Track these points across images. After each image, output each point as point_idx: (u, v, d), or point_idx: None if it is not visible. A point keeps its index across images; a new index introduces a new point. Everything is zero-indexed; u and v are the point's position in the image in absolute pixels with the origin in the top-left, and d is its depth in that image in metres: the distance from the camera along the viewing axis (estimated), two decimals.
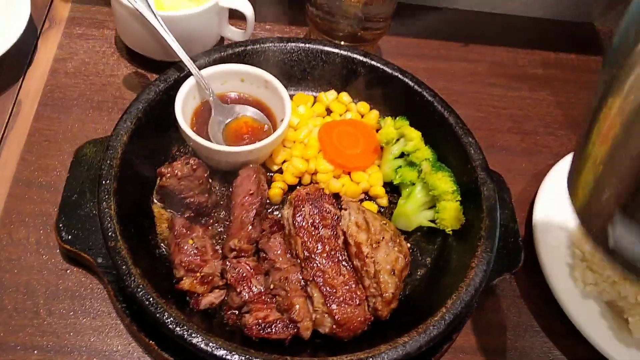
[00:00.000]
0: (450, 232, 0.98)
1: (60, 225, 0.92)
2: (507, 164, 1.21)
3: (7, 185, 1.02)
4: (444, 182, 0.97)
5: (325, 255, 0.88)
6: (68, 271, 0.94)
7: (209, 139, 0.98)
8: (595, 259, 1.02)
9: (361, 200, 1.04)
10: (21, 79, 1.16)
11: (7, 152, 1.06)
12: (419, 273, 0.98)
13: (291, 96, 1.07)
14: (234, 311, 0.87)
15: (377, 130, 1.09)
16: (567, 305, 0.98)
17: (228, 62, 1.06)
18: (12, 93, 1.13)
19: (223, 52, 1.07)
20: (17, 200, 1.00)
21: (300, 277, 0.88)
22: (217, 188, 1.02)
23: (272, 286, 0.87)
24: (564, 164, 1.17)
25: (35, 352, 0.87)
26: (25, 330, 0.88)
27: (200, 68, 1.02)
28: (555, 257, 1.03)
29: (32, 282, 0.92)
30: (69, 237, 0.91)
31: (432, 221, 1.00)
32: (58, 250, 0.96)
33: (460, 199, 0.98)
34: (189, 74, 1.02)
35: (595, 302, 1.01)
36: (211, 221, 0.97)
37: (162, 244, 0.94)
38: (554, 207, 1.09)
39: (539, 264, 1.02)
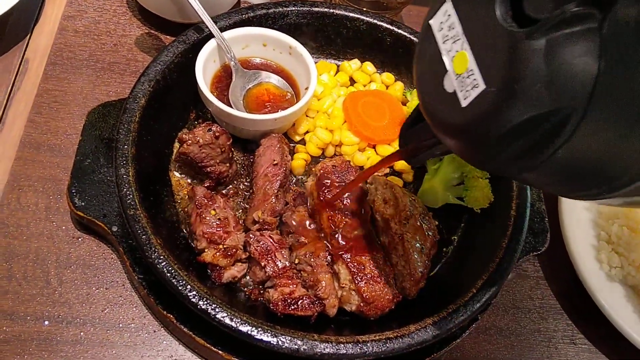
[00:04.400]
0: (478, 211, 0.95)
1: (73, 190, 0.87)
2: None
3: (14, 147, 0.97)
4: None
5: (352, 230, 0.85)
6: (79, 239, 0.90)
7: (229, 105, 0.93)
8: (621, 242, 1.00)
9: (386, 175, 1.00)
10: (28, 36, 1.10)
11: (14, 113, 1.00)
12: (444, 251, 0.95)
13: None
14: (256, 286, 0.84)
15: (403, 103, 1.05)
16: (592, 288, 0.96)
17: (249, 25, 1.01)
18: (19, 51, 1.08)
19: (244, 14, 1.02)
20: (25, 164, 0.95)
21: (327, 253, 0.84)
22: (237, 157, 0.97)
23: (296, 261, 0.84)
24: None
25: (46, 322, 0.83)
26: (36, 299, 0.84)
27: (221, 30, 0.97)
28: (581, 239, 1.01)
29: (42, 249, 0.88)
30: (82, 203, 0.87)
31: (459, 198, 0.96)
32: (69, 217, 0.92)
33: (490, 176, 0.94)
34: (209, 37, 0.96)
35: (621, 285, 0.99)
36: (232, 191, 0.93)
37: (181, 214, 0.90)
38: None
39: (564, 245, 1.00)
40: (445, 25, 0.51)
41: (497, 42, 0.44)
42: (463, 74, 0.48)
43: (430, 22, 0.53)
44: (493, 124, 0.45)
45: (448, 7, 0.51)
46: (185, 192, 0.91)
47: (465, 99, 0.47)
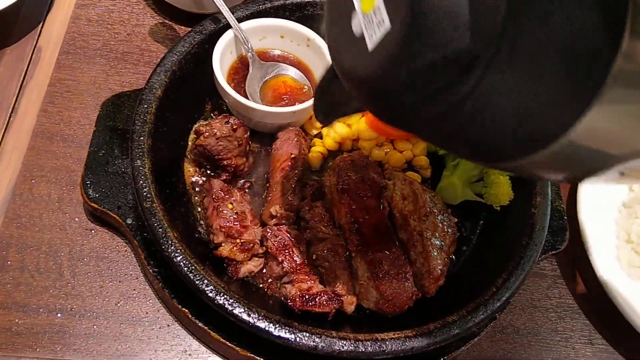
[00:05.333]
0: (498, 208, 0.93)
1: (87, 182, 0.86)
2: None
3: (27, 137, 0.95)
4: None
5: (370, 226, 0.83)
6: (93, 231, 0.89)
7: (246, 97, 0.92)
8: None
9: (404, 170, 0.98)
10: (40, 24, 1.08)
11: (27, 102, 0.99)
12: (463, 249, 0.94)
13: None
14: (273, 281, 0.83)
15: None
16: (611, 288, 0.94)
17: (266, 17, 0.99)
18: (32, 39, 1.06)
19: (261, 5, 1.00)
20: (38, 154, 0.94)
21: (344, 249, 0.83)
22: (253, 150, 0.96)
23: (314, 257, 0.83)
24: None
25: (59, 315, 0.82)
26: (49, 291, 0.83)
27: (238, 21, 0.95)
28: (599, 238, 0.99)
29: (55, 241, 0.87)
30: (97, 195, 0.85)
31: (479, 195, 0.95)
32: (82, 209, 0.90)
33: (510, 174, 0.93)
34: (226, 27, 0.95)
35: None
36: (247, 185, 0.91)
37: (197, 207, 0.88)
38: (599, 186, 1.04)
39: (582, 244, 0.98)
40: None
41: None
42: (370, 12, 0.44)
43: None
44: (397, 68, 0.41)
45: None
46: (201, 185, 0.89)
47: (370, 39, 0.44)
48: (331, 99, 0.61)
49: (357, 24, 0.46)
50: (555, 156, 0.38)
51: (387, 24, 0.42)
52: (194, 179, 0.90)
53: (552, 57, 0.35)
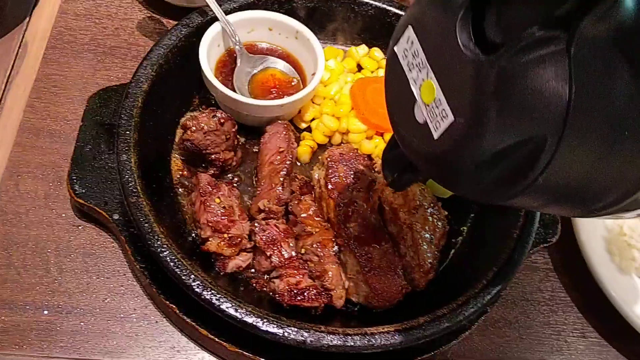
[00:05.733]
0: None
1: (74, 177, 0.85)
2: None
3: (13, 133, 0.94)
4: None
5: (360, 219, 0.82)
6: (80, 227, 0.88)
7: (234, 91, 0.91)
8: (634, 234, 0.98)
9: None
10: (27, 18, 1.07)
11: (13, 98, 0.98)
12: (454, 242, 0.93)
13: None
14: (262, 276, 0.82)
15: None
16: (603, 280, 0.93)
17: (255, 9, 0.98)
18: (18, 33, 1.05)
19: None
20: (24, 150, 0.93)
21: (334, 242, 0.82)
22: (242, 144, 0.95)
23: (303, 251, 0.82)
24: None
25: (46, 312, 0.81)
26: (35, 288, 0.82)
27: (225, 14, 0.94)
28: (592, 230, 0.98)
29: (42, 237, 0.86)
30: (83, 190, 0.84)
31: None
32: (69, 205, 0.89)
33: None
34: (213, 20, 0.94)
35: (632, 277, 0.97)
36: (236, 179, 0.91)
37: (184, 202, 0.88)
38: None
39: (574, 236, 0.97)
40: (409, 52, 0.48)
41: (461, 70, 0.42)
42: (431, 104, 0.45)
43: (395, 48, 0.51)
44: (467, 155, 0.42)
45: (410, 34, 0.48)
46: (189, 180, 0.88)
47: (436, 130, 0.45)
48: (399, 166, 0.62)
49: (420, 112, 0.47)
50: (619, 209, 0.42)
51: (450, 116, 0.43)
52: (181, 174, 0.90)
53: (617, 129, 0.37)
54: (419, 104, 0.47)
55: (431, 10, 0.46)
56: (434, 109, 0.45)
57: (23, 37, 1.05)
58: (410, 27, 0.48)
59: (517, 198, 0.43)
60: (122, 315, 0.82)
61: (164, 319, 0.83)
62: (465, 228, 0.95)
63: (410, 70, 0.49)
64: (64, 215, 0.89)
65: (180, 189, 0.89)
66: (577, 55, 0.36)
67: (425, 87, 0.46)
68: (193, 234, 0.85)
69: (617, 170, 0.39)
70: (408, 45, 0.48)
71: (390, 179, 0.64)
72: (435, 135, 0.45)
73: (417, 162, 0.52)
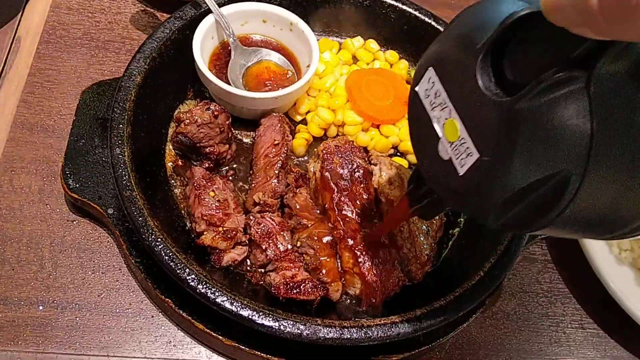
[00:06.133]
0: None
1: (67, 172, 0.85)
2: None
3: (7, 128, 0.94)
4: None
5: (356, 212, 0.82)
6: (74, 222, 0.87)
7: (228, 83, 0.90)
8: None
9: (390, 156, 0.97)
10: (20, 13, 1.06)
11: (6, 93, 0.97)
12: (450, 234, 0.92)
13: None
14: (257, 269, 0.81)
15: (407, 82, 1.02)
16: (602, 271, 0.93)
17: (248, 1, 0.97)
18: (11, 28, 1.04)
19: None
20: (18, 145, 0.92)
21: (329, 235, 0.81)
22: (236, 137, 0.94)
23: (298, 244, 0.81)
24: None
25: (41, 307, 0.80)
26: (30, 284, 0.82)
27: (219, 6, 0.93)
28: None
29: (36, 232, 0.85)
30: (77, 185, 0.84)
31: None
32: (63, 200, 0.89)
33: None
34: (207, 12, 0.93)
35: (630, 269, 0.96)
36: (231, 172, 0.90)
37: (179, 196, 0.87)
38: None
39: None
40: (431, 92, 0.50)
41: (483, 111, 0.43)
42: (456, 142, 0.47)
43: (416, 89, 0.52)
44: (493, 191, 0.44)
45: (431, 75, 0.49)
46: (183, 173, 0.88)
47: (461, 167, 0.47)
48: (426, 198, 0.62)
49: (444, 149, 0.49)
50: None
51: (475, 154, 0.45)
52: (175, 167, 0.89)
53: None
54: (442, 141, 0.49)
55: (452, 52, 0.47)
56: (458, 147, 0.46)
57: (16, 32, 1.04)
58: (431, 68, 0.49)
59: (546, 229, 0.45)
60: (117, 310, 0.82)
61: (160, 313, 0.83)
62: (462, 220, 0.94)
63: (432, 109, 0.50)
64: (58, 210, 0.88)
65: (174, 183, 0.88)
66: (596, 92, 0.37)
67: (449, 126, 0.48)
68: (188, 228, 0.84)
69: None
70: (429, 85, 0.50)
71: (417, 212, 0.66)
72: (461, 172, 0.46)
73: (443, 196, 0.54)
